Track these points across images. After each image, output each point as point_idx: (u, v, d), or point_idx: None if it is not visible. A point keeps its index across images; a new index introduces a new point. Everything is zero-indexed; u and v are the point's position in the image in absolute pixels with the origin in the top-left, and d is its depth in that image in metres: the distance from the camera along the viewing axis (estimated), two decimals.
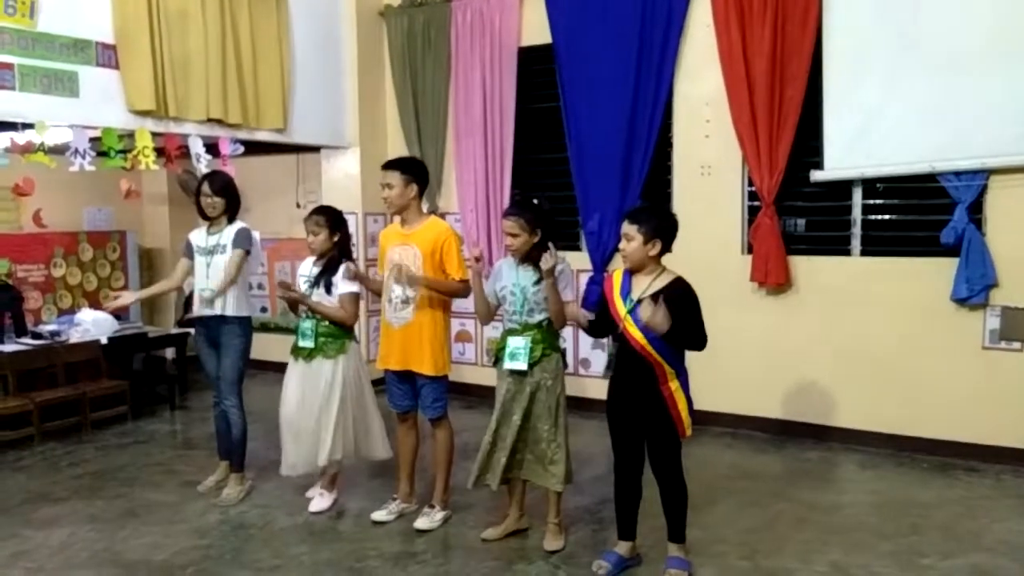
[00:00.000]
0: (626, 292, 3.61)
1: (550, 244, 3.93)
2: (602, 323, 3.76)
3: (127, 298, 5.01)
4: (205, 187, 4.71)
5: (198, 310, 4.74)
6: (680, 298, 3.51)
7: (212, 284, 4.65)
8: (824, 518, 4.44)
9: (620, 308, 3.59)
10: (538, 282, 3.88)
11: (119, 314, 7.48)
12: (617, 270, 3.72)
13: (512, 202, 4.06)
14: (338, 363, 4.49)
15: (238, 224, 4.80)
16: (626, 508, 3.81)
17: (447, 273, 4.16)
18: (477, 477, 4.03)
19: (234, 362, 4.76)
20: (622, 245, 3.61)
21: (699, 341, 3.54)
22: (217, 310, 4.68)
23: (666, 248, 3.59)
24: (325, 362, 4.48)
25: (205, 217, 4.79)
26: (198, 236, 4.84)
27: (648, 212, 3.68)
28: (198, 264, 4.77)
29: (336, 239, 4.51)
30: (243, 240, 4.71)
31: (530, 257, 3.90)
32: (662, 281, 3.57)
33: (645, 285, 3.57)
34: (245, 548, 4.14)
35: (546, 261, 3.71)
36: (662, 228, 3.56)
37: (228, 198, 4.75)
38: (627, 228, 3.57)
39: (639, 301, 3.50)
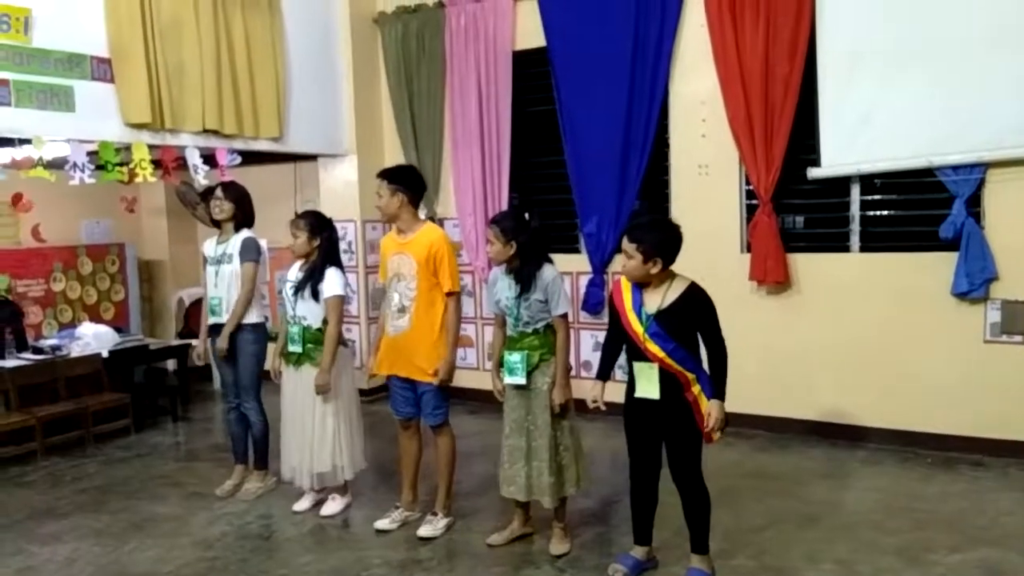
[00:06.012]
0: (638, 305, 3.50)
1: (546, 264, 3.94)
2: (614, 342, 3.69)
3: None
4: (217, 191, 4.85)
5: (212, 319, 4.88)
6: (696, 307, 3.45)
7: (219, 293, 4.82)
8: (829, 516, 4.44)
9: (637, 327, 3.48)
10: (519, 296, 3.89)
11: (120, 327, 7.52)
12: (624, 277, 3.60)
13: (503, 211, 4.09)
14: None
15: (244, 233, 4.89)
16: (643, 513, 3.76)
17: (439, 282, 4.16)
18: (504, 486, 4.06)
19: (250, 367, 4.90)
20: (622, 262, 3.50)
21: (719, 350, 3.48)
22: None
23: (668, 263, 3.45)
24: (313, 369, 4.48)
25: (215, 223, 4.91)
26: (208, 246, 4.99)
27: (648, 228, 3.47)
28: (208, 274, 4.91)
29: (317, 243, 4.52)
30: (250, 252, 4.83)
31: (512, 269, 3.93)
32: (675, 292, 3.46)
33: (658, 298, 3.47)
34: (251, 559, 4.14)
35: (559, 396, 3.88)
36: (662, 245, 3.41)
37: (238, 205, 4.85)
38: (626, 246, 3.45)
39: (655, 316, 3.44)
